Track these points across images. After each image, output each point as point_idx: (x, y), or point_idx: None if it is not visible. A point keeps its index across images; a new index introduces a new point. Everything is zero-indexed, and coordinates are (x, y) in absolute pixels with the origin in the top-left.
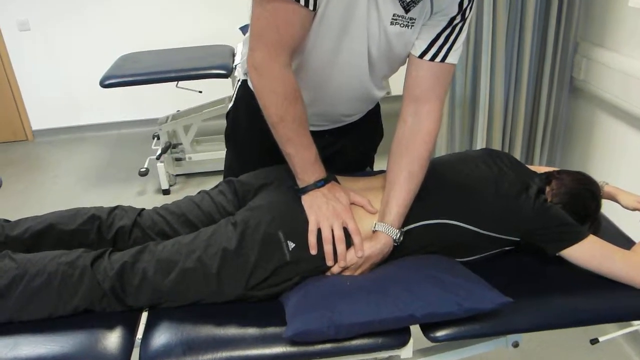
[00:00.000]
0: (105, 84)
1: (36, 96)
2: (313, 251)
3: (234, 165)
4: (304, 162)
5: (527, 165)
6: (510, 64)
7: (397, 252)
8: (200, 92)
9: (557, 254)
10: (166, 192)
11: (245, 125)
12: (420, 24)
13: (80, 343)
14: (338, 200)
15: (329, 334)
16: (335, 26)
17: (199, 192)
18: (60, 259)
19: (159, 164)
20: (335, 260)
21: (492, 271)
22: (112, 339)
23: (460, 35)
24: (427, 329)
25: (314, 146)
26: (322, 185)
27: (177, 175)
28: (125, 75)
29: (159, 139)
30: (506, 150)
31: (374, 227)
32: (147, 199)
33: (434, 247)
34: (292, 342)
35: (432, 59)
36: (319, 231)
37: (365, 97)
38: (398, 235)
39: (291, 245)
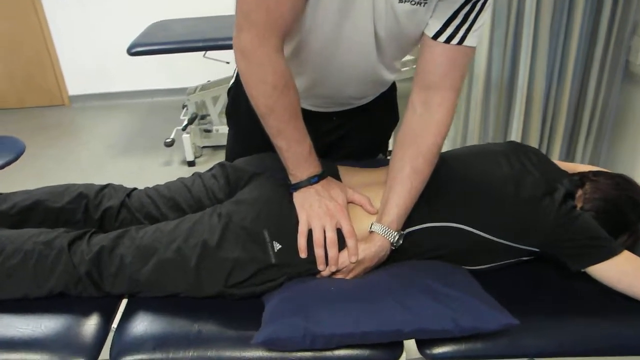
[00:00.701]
0: (132, 51)
1: (73, 62)
2: (302, 255)
3: (234, 146)
4: (297, 157)
5: (562, 163)
6: (555, 45)
7: (397, 256)
8: (228, 62)
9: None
10: (191, 163)
11: (246, 104)
12: (435, 1)
13: (54, 328)
14: (333, 198)
15: (304, 343)
16: (335, 3)
17: (192, 174)
18: (39, 237)
19: (185, 135)
20: (327, 264)
21: (503, 282)
22: (87, 326)
23: (482, 13)
24: (423, 344)
25: (308, 138)
26: (316, 182)
27: (204, 147)
28: (152, 44)
29: (188, 109)
30: (545, 144)
31: (370, 228)
32: (172, 170)
33: (439, 253)
34: (268, 348)
35: (448, 40)
36: (310, 232)
37: (374, 80)
38: (396, 239)
39: (277, 246)
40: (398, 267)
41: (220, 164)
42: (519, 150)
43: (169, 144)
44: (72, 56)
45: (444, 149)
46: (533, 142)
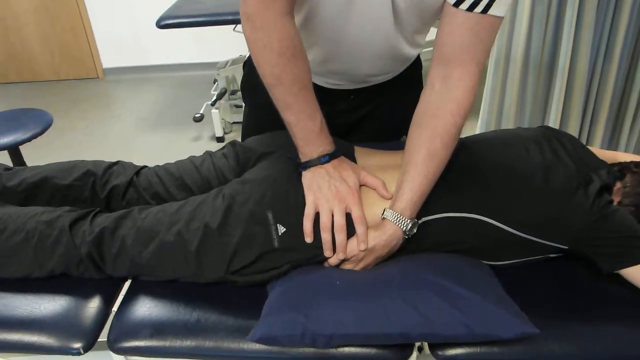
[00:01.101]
0: (161, 24)
1: (107, 35)
2: (308, 239)
3: (249, 122)
4: (306, 133)
5: (600, 151)
6: (603, 20)
7: (411, 246)
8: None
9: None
10: (220, 139)
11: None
12: None
13: (53, 309)
14: (344, 180)
15: (303, 342)
16: None
17: (204, 153)
18: (41, 216)
19: (214, 110)
20: (334, 250)
21: (526, 281)
22: (87, 309)
23: None
24: (435, 344)
25: (320, 113)
26: (327, 161)
27: (234, 123)
28: (181, 17)
29: (218, 84)
30: (585, 129)
31: (383, 215)
32: (201, 146)
33: (457, 246)
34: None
35: (471, 8)
36: (318, 216)
37: (393, 55)
38: (409, 227)
39: (281, 229)
40: (411, 260)
41: (231, 143)
42: (552, 136)
43: (198, 119)
44: (106, 28)
45: (472, 133)
46: (573, 127)
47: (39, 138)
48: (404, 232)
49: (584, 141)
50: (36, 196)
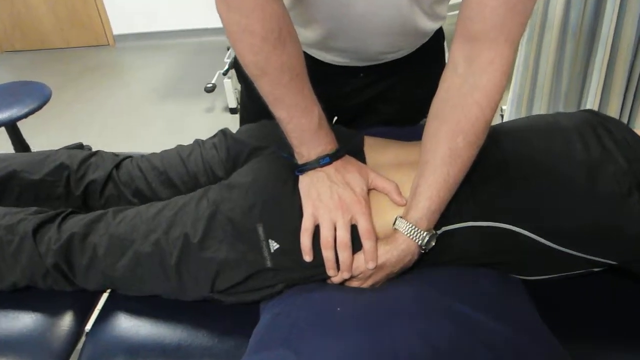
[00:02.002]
0: None
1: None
2: (307, 257)
3: (247, 104)
4: (301, 131)
5: None
6: None
7: (428, 260)
8: None
9: None
10: (234, 111)
11: None
12: None
13: (18, 329)
14: (348, 185)
15: None
16: None
17: (194, 142)
18: (2, 220)
19: (226, 80)
20: (338, 268)
21: (566, 300)
22: (57, 329)
23: None
24: None
25: (317, 107)
26: (328, 163)
27: None
28: None
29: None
30: (627, 107)
31: (394, 224)
32: (214, 117)
33: (481, 260)
34: None
35: None
36: (318, 229)
37: (407, 30)
38: (426, 240)
39: (273, 245)
40: (428, 279)
41: (222, 131)
42: (599, 124)
43: (210, 90)
44: None
45: (502, 106)
46: (614, 104)
47: (42, 111)
48: (420, 246)
49: (624, 121)
50: (4, 193)
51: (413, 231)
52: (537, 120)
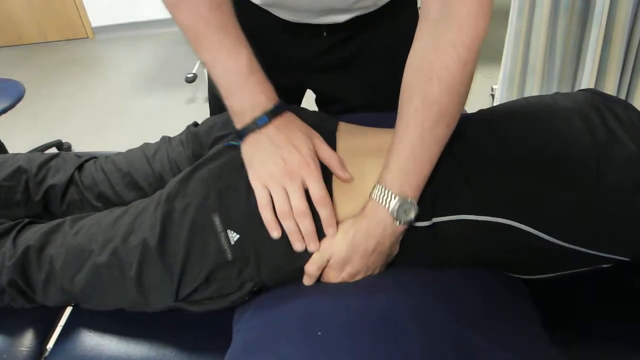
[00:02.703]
0: None
1: None
2: (275, 233)
3: (214, 96)
4: (229, 75)
5: None
6: None
7: (420, 258)
8: None
9: None
10: None
11: None
12: None
13: None
14: (294, 147)
15: None
16: None
17: (161, 139)
18: None
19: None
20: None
21: (574, 301)
22: (16, 350)
23: None
24: None
25: (246, 48)
26: (267, 122)
27: None
28: None
29: None
30: (625, 85)
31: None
32: (196, 109)
33: (480, 257)
34: None
35: None
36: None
37: None
38: (397, 205)
39: (233, 236)
40: (423, 286)
41: (188, 127)
42: (602, 105)
43: (191, 80)
44: None
45: (491, 98)
46: (611, 83)
47: (19, 108)
48: (392, 214)
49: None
50: None
51: (382, 194)
52: (534, 102)
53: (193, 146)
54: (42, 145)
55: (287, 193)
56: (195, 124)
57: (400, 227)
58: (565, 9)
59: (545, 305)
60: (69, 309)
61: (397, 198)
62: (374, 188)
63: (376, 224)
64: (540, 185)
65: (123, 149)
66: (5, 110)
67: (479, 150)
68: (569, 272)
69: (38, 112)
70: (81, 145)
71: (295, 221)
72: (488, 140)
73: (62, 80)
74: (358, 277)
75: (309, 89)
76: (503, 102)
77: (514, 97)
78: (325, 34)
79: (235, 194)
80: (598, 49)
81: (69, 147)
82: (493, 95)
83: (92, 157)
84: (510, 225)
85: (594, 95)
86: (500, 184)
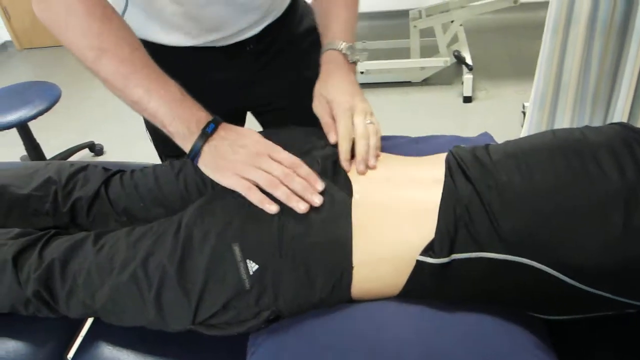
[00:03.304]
0: None
1: None
2: (273, 207)
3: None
4: (166, 103)
5: None
6: None
7: (437, 291)
8: None
9: None
10: None
11: None
12: None
13: None
14: (246, 136)
15: None
16: None
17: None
18: None
19: None
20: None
21: (594, 340)
22: (37, 357)
23: None
24: None
25: (169, 77)
26: (215, 129)
27: None
28: None
29: None
30: None
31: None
32: None
33: (497, 297)
34: None
35: None
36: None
37: None
38: (343, 46)
39: (252, 266)
40: (431, 322)
41: None
42: (634, 141)
43: None
44: None
45: (525, 103)
46: None
47: (55, 109)
48: (343, 54)
49: None
50: None
51: (333, 44)
52: (562, 136)
53: None
54: (75, 147)
55: (264, 171)
56: None
57: (353, 65)
58: (602, 26)
59: (564, 347)
60: (90, 321)
61: (344, 43)
62: (325, 46)
63: (334, 65)
64: (565, 227)
65: (153, 155)
66: (42, 113)
67: (503, 188)
68: (587, 315)
69: (73, 114)
70: (113, 148)
71: (286, 186)
72: (513, 177)
73: (97, 84)
74: (364, 108)
75: (247, 108)
76: (533, 123)
77: (545, 119)
78: (251, 46)
79: (256, 224)
80: (636, 71)
81: (100, 149)
82: (524, 113)
83: (120, 171)
84: (532, 266)
85: (626, 130)
86: (523, 224)
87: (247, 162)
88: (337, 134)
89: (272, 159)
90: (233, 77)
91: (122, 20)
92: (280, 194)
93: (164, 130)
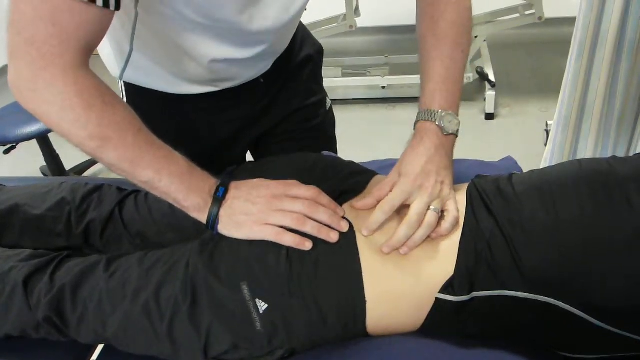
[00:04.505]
0: None
1: None
2: (307, 244)
3: None
4: (179, 178)
5: None
6: None
7: (456, 330)
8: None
9: None
10: None
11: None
12: None
13: None
14: (259, 187)
15: None
16: None
17: None
18: None
19: None
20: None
21: None
22: None
23: None
24: None
25: (175, 151)
26: (226, 191)
27: None
28: None
29: None
30: None
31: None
32: None
33: (521, 332)
34: None
35: None
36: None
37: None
38: (442, 116)
39: (262, 306)
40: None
41: (228, 170)
42: None
43: None
44: None
45: (545, 134)
46: None
47: None
48: (439, 126)
49: None
50: (6, 227)
51: (427, 113)
52: (589, 167)
53: None
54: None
55: (285, 212)
56: (234, 169)
57: (449, 137)
58: (630, 47)
59: None
60: (100, 346)
61: (440, 111)
62: (418, 114)
63: (433, 145)
64: (591, 265)
65: None
66: None
67: (527, 223)
68: (616, 355)
69: None
70: None
71: (313, 219)
72: (537, 212)
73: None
74: (434, 191)
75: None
76: (557, 145)
77: (569, 141)
78: (261, 80)
79: (263, 262)
80: None
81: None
82: (547, 132)
83: (134, 191)
84: (556, 306)
85: None
86: (547, 262)
87: (268, 209)
88: (378, 198)
89: (291, 197)
90: (245, 112)
91: (122, 103)
92: (310, 229)
93: (177, 206)
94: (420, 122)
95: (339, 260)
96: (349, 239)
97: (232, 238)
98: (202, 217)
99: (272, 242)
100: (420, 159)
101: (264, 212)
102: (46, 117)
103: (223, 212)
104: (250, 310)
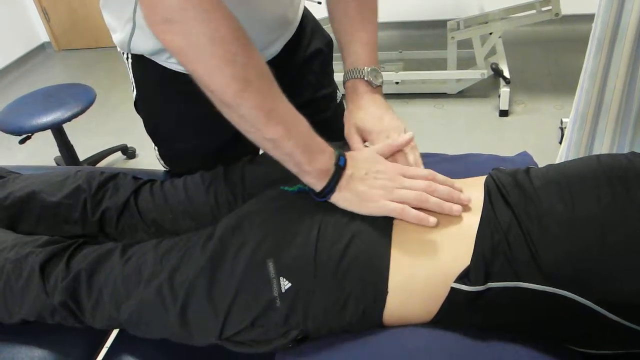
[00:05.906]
0: None
1: None
2: (431, 220)
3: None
4: (306, 140)
5: None
6: None
7: (469, 321)
8: (319, 2)
9: None
10: None
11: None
12: None
13: None
14: (374, 161)
15: None
16: None
17: (218, 166)
18: (10, 252)
19: None
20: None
21: None
22: None
23: None
24: None
25: (297, 111)
26: (345, 163)
27: None
28: None
29: None
30: None
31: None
32: None
33: (535, 325)
34: None
35: None
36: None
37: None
38: (366, 72)
39: (285, 284)
40: (467, 356)
41: (245, 160)
42: None
43: None
44: None
45: (559, 132)
46: None
47: (89, 111)
48: (366, 81)
49: None
50: (23, 214)
51: (355, 72)
52: (607, 163)
53: (248, 182)
54: (107, 149)
55: (406, 188)
56: (252, 159)
57: (378, 89)
58: None
59: None
60: (115, 331)
61: (366, 68)
62: (346, 73)
63: (364, 96)
64: (609, 259)
65: None
66: (76, 115)
67: (544, 216)
68: (633, 351)
69: (107, 117)
70: (145, 151)
71: (434, 196)
72: (555, 205)
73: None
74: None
75: None
76: (572, 143)
77: (585, 140)
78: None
79: (292, 241)
80: None
81: (133, 152)
82: (562, 129)
83: (150, 180)
84: (572, 299)
85: None
86: (565, 254)
87: (388, 186)
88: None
89: (407, 176)
90: None
91: (259, 53)
92: (432, 204)
93: (294, 170)
94: (351, 81)
95: (370, 246)
96: (385, 222)
97: (261, 215)
98: (319, 184)
99: (304, 223)
100: (369, 109)
101: (387, 187)
102: (194, 53)
103: (343, 183)
104: (273, 288)
